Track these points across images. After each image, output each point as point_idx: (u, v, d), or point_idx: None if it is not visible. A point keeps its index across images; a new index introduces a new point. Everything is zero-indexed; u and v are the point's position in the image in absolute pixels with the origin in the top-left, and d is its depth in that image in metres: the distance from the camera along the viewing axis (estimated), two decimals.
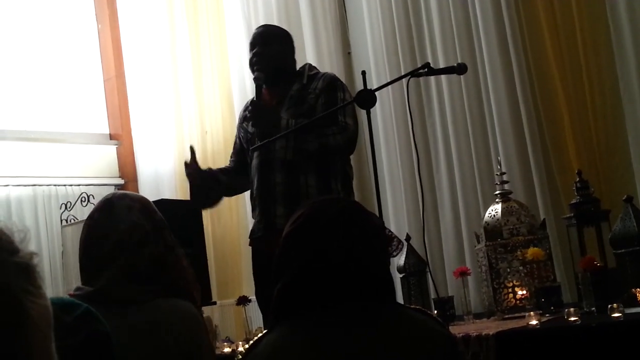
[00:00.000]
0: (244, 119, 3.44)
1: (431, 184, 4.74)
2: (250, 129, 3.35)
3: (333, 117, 3.16)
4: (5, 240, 0.80)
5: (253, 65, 3.35)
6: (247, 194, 3.52)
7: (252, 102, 3.34)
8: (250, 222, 5.14)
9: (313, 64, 3.59)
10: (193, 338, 1.88)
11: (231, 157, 3.61)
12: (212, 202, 3.49)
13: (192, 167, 3.34)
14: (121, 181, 6.06)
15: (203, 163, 5.71)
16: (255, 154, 3.29)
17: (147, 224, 1.93)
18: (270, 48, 3.33)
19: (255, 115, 3.24)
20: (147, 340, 1.78)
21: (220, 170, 3.52)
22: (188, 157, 5.72)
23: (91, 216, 1.99)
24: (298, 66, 3.46)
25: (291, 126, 3.13)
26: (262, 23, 5.38)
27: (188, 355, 1.85)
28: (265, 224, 3.22)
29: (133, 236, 1.89)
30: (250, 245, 3.43)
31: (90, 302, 1.61)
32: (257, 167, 3.28)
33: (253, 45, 3.38)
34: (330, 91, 3.27)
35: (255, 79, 3.33)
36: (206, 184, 3.36)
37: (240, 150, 3.50)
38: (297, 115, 3.20)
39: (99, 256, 1.88)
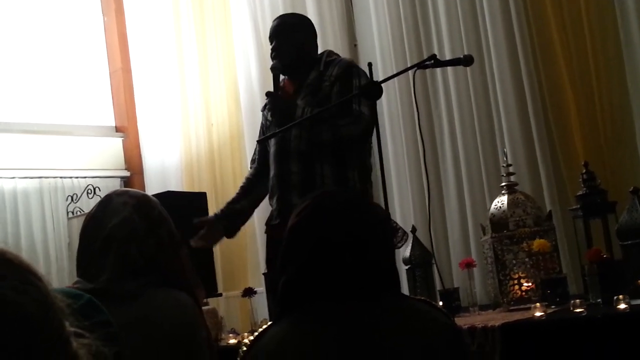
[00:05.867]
0: (264, 107, 3.46)
1: (437, 175, 4.73)
2: (269, 117, 3.37)
3: (347, 106, 3.14)
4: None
5: (272, 59, 3.36)
6: None
7: (268, 92, 3.34)
8: (257, 213, 5.17)
9: None
10: (188, 329, 1.88)
11: (254, 155, 3.57)
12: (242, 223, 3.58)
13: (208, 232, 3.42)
14: (127, 173, 6.07)
15: (209, 155, 5.80)
16: (272, 142, 3.30)
17: (139, 220, 1.93)
18: (287, 41, 3.31)
19: (272, 106, 3.26)
20: (140, 332, 1.79)
21: (240, 195, 3.51)
22: (194, 150, 5.74)
23: (90, 211, 2.02)
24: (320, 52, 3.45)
25: (306, 115, 3.13)
26: (268, 15, 5.40)
27: (181, 345, 1.86)
28: (280, 212, 3.24)
29: (121, 231, 1.90)
30: (266, 232, 3.45)
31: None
32: (274, 156, 3.30)
33: (271, 39, 3.38)
34: (345, 78, 3.23)
35: (271, 69, 3.34)
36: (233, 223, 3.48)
37: (264, 145, 3.49)
38: (313, 104, 3.19)
39: (91, 251, 1.90)
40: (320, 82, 3.25)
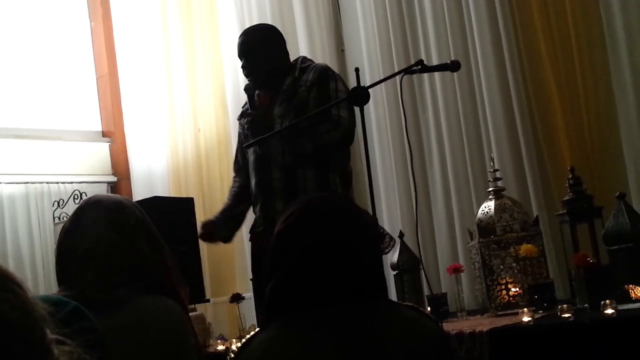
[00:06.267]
0: (241, 115, 3.44)
1: (424, 181, 4.74)
2: (246, 126, 3.35)
3: (326, 111, 3.12)
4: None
5: (245, 76, 3.37)
6: None
7: (245, 112, 3.33)
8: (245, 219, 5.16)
9: None
10: (176, 335, 1.86)
11: (237, 164, 3.54)
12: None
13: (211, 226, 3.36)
14: (114, 178, 6.05)
15: (196, 160, 5.79)
16: (250, 150, 3.29)
17: (115, 235, 1.87)
18: (257, 58, 3.30)
19: (249, 125, 3.23)
20: (128, 339, 1.77)
21: (236, 200, 3.47)
22: (180, 155, 5.73)
23: (65, 224, 1.96)
24: (292, 58, 3.43)
25: (284, 129, 3.12)
26: (255, 20, 5.40)
27: (170, 352, 1.84)
28: (265, 219, 3.22)
29: (99, 249, 1.84)
30: (250, 240, 3.44)
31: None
32: (254, 164, 3.28)
33: (240, 57, 3.37)
34: (322, 83, 3.21)
35: (245, 89, 3.34)
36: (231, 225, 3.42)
37: (244, 154, 3.46)
38: (289, 110, 3.18)
39: (71, 267, 1.85)
40: (296, 88, 3.24)
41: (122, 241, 1.87)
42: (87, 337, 1.26)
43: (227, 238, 3.48)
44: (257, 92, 3.34)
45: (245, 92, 3.33)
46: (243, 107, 3.49)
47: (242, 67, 3.35)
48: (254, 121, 3.22)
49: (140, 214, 1.98)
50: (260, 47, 3.32)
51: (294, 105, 3.20)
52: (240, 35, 3.44)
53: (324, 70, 3.29)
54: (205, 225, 3.39)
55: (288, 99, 3.23)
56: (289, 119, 3.15)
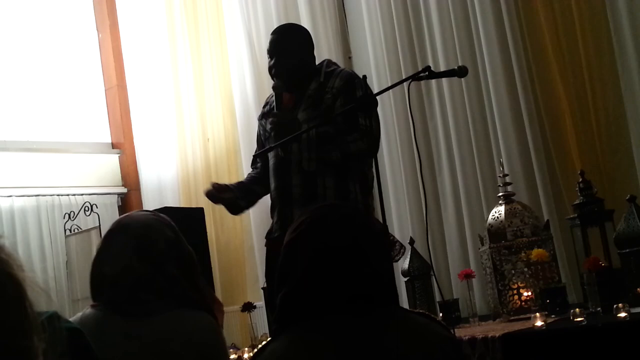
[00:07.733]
0: (262, 116, 3.39)
1: (434, 187, 4.74)
2: (268, 127, 3.31)
3: (353, 120, 3.07)
4: None
5: (272, 75, 3.29)
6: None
7: (271, 112, 3.28)
8: (256, 227, 5.17)
9: None
10: (206, 348, 1.85)
11: (257, 160, 3.46)
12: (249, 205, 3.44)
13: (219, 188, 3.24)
14: (124, 190, 6.07)
15: (205, 170, 5.80)
16: (271, 154, 3.25)
17: (140, 266, 1.82)
18: (286, 58, 3.22)
19: (275, 126, 3.17)
20: (158, 351, 1.77)
21: (252, 179, 3.40)
22: (190, 165, 5.73)
23: (99, 245, 1.94)
24: (318, 61, 3.36)
25: (312, 136, 3.06)
26: (262, 29, 5.42)
27: None
28: (281, 225, 3.18)
29: (123, 280, 1.82)
30: (265, 245, 3.39)
31: (105, 313, 1.66)
32: (273, 169, 3.24)
33: (270, 54, 3.30)
34: (349, 91, 3.14)
35: (273, 88, 3.28)
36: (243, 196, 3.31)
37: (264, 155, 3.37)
38: (315, 117, 3.13)
39: (102, 289, 1.85)
40: (322, 94, 3.18)
41: (147, 271, 1.83)
42: (70, 337, 1.25)
43: (235, 206, 3.31)
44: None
45: (274, 90, 3.28)
46: (264, 107, 3.43)
47: (273, 65, 3.25)
48: (279, 123, 3.16)
49: (172, 234, 1.93)
50: (290, 44, 3.26)
51: (320, 111, 3.14)
52: (272, 33, 3.37)
53: (351, 78, 3.21)
54: (216, 183, 3.27)
55: (313, 104, 3.16)
56: (314, 125, 3.10)
